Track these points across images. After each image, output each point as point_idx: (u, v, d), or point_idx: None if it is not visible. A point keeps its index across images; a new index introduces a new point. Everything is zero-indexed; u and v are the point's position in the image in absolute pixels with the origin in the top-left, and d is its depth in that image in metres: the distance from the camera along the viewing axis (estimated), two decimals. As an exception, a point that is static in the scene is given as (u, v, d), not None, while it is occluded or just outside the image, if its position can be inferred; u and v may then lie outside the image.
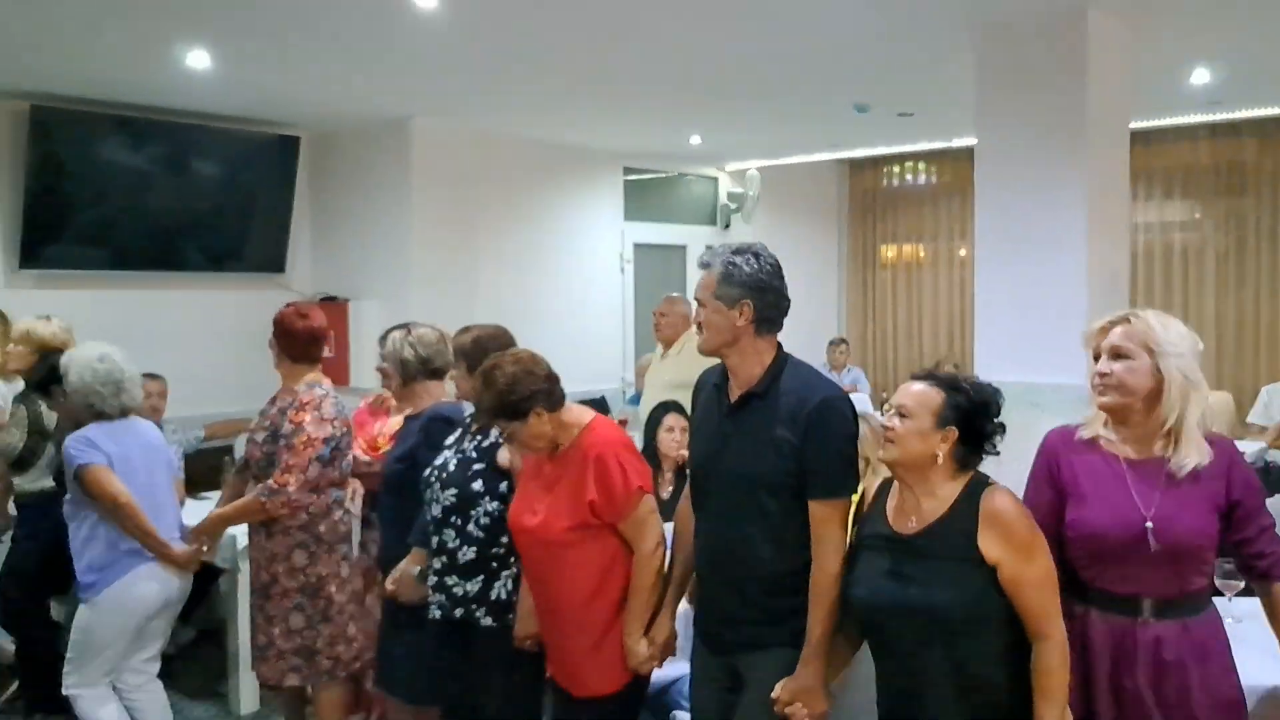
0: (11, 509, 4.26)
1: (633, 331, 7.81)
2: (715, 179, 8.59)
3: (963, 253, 8.83)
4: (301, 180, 6.51)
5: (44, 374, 4.04)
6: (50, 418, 4.12)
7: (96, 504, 3.45)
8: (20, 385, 4.35)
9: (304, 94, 5.55)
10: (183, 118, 5.84)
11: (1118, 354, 2.20)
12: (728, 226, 8.55)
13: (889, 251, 9.26)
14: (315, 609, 3.44)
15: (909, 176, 9.05)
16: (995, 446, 2.22)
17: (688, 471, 2.65)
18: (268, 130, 6.27)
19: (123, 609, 3.46)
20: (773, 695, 2.30)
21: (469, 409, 3.19)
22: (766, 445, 2.33)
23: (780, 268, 2.44)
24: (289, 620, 3.43)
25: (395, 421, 3.56)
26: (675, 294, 5.40)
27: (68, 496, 3.54)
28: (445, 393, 3.43)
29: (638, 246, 7.91)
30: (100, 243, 5.70)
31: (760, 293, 2.38)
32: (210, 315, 6.27)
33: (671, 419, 4.44)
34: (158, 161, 5.80)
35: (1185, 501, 2.15)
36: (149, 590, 3.48)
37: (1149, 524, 2.13)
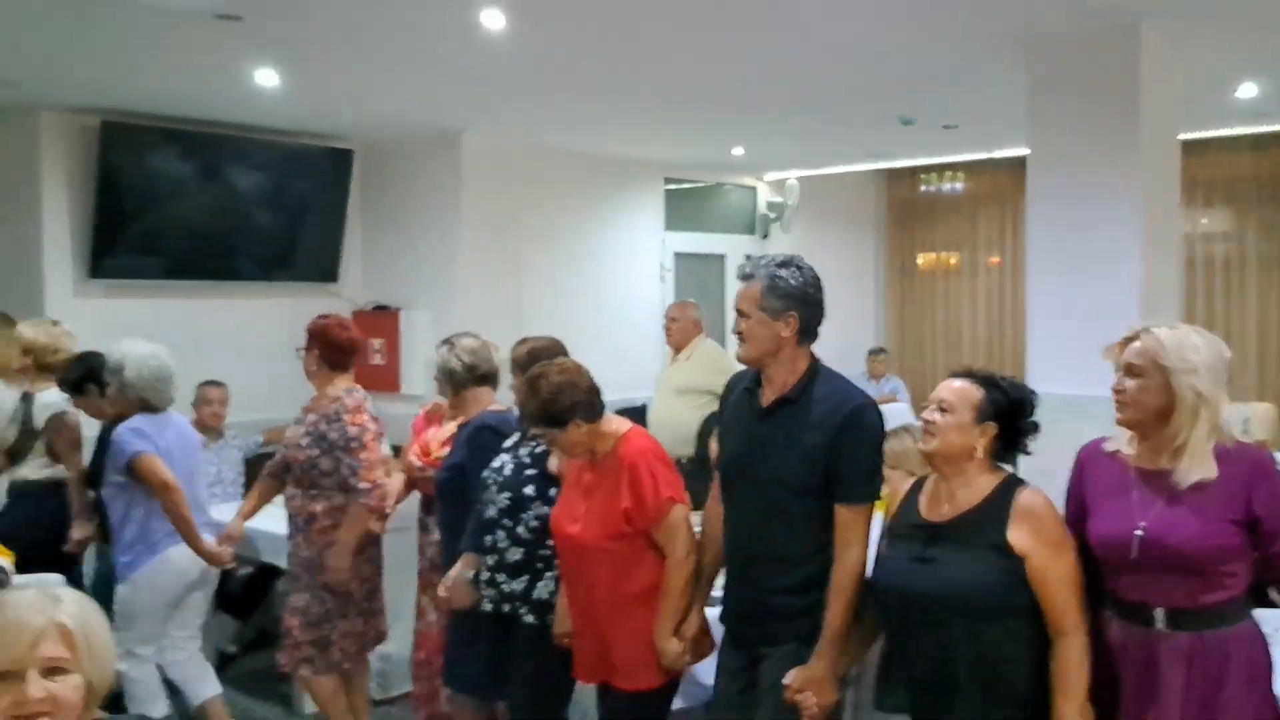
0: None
1: (704, 337, 7.89)
2: (754, 188, 8.68)
3: (995, 259, 8.90)
4: (354, 192, 6.65)
5: (81, 373, 4.20)
6: (40, 416, 4.28)
7: (146, 489, 3.67)
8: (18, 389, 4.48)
9: (360, 109, 5.70)
10: (244, 132, 6.01)
11: (1131, 371, 2.21)
12: (766, 236, 8.63)
13: (926, 260, 9.31)
14: (340, 609, 3.65)
15: (946, 185, 9.11)
16: (1029, 445, 2.31)
17: (714, 470, 2.75)
18: (323, 143, 6.43)
19: (158, 584, 3.73)
20: (784, 682, 2.40)
21: None
22: (797, 449, 2.43)
23: (820, 280, 2.55)
24: (308, 612, 3.64)
25: (449, 428, 3.69)
26: (687, 299, 5.47)
27: (114, 480, 3.72)
28: (494, 399, 3.58)
29: (678, 255, 8.01)
30: (163, 253, 5.86)
31: (805, 305, 2.48)
32: (266, 323, 6.41)
33: (724, 429, 4.52)
34: (219, 174, 5.97)
35: (1187, 513, 2.12)
36: (183, 565, 3.74)
37: (1137, 532, 2.14)
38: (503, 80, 4.99)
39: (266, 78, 4.80)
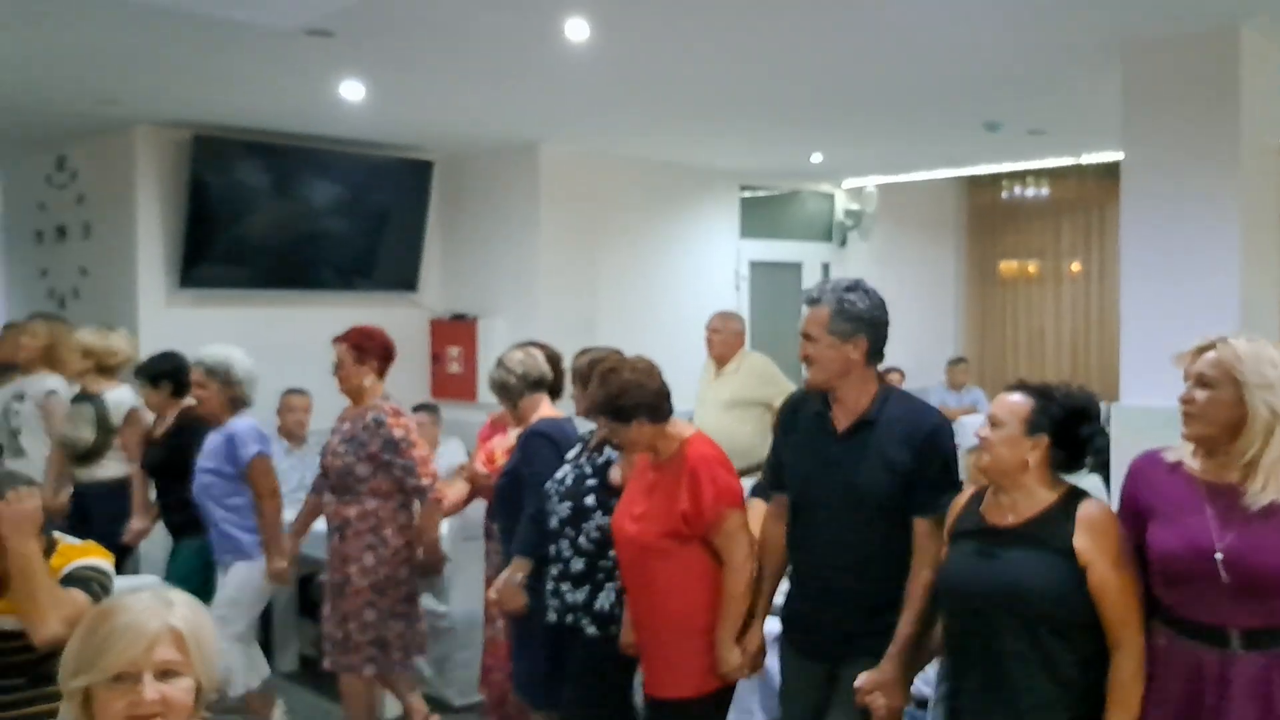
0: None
1: (748, 348, 7.83)
2: (831, 195, 8.58)
3: (1077, 267, 8.68)
4: (433, 202, 6.75)
5: (165, 368, 4.30)
6: (117, 414, 4.49)
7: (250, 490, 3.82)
8: (76, 387, 4.70)
9: (441, 121, 5.78)
10: (328, 144, 6.14)
11: (1202, 382, 2.14)
12: (844, 244, 8.53)
13: (1008, 268, 9.11)
14: (387, 607, 3.74)
15: (1030, 191, 8.90)
16: (1094, 453, 2.27)
17: (768, 489, 2.79)
18: (404, 155, 6.54)
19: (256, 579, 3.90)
20: (855, 684, 2.43)
21: (584, 426, 3.33)
22: (880, 467, 2.49)
23: (885, 302, 2.58)
24: (363, 615, 3.71)
25: (512, 436, 3.75)
26: (729, 310, 5.38)
27: (220, 470, 3.84)
28: (552, 406, 3.63)
29: (753, 264, 7.96)
30: (248, 263, 6.03)
31: (874, 328, 2.54)
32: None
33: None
34: (302, 186, 6.12)
35: (1265, 534, 2.07)
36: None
37: (1219, 555, 2.08)
38: (582, 91, 5.02)
39: (352, 91, 4.90)
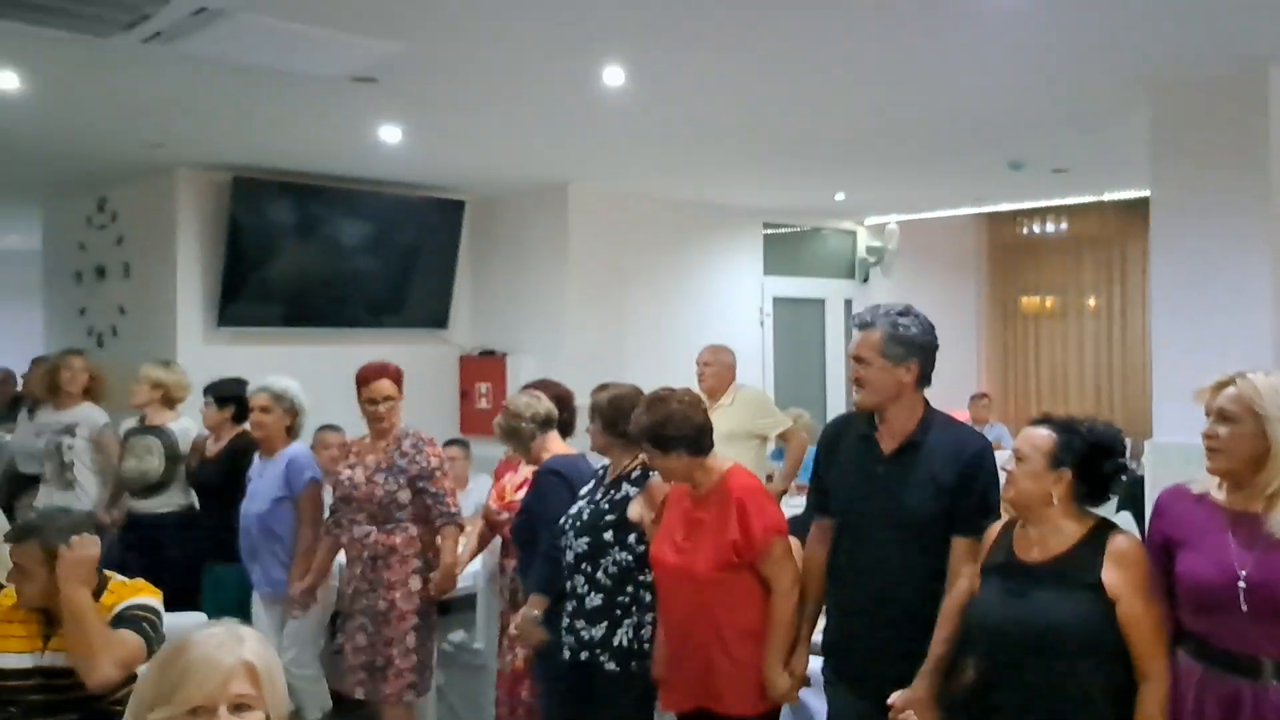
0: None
1: (772, 383, 7.91)
2: (853, 233, 8.67)
3: (1094, 303, 8.71)
4: (463, 240, 6.86)
5: (235, 392, 4.41)
6: (185, 444, 4.60)
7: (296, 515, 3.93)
8: (131, 420, 4.81)
9: (473, 161, 5.89)
10: (362, 184, 6.27)
11: (1224, 416, 2.18)
12: (866, 280, 8.60)
13: (1030, 303, 9.15)
14: (426, 629, 3.82)
15: (1049, 227, 8.96)
16: (1118, 486, 2.31)
17: (813, 514, 2.82)
18: (436, 195, 6.66)
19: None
20: (888, 702, 2.46)
21: (599, 462, 3.37)
22: (925, 488, 2.53)
23: (935, 326, 2.64)
24: (406, 640, 3.76)
25: (524, 472, 3.80)
26: (719, 344, 5.37)
27: (283, 498, 3.97)
28: (561, 443, 3.69)
29: (777, 300, 8.03)
30: (283, 301, 6.14)
31: (925, 352, 2.60)
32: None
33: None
34: (337, 225, 6.24)
35: None
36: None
37: (1241, 584, 2.11)
38: (614, 133, 5.12)
39: (390, 134, 5.01)
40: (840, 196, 7.22)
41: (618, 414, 3.17)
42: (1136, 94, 4.28)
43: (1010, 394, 9.15)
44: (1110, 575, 2.21)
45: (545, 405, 3.67)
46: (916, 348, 2.56)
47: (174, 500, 4.63)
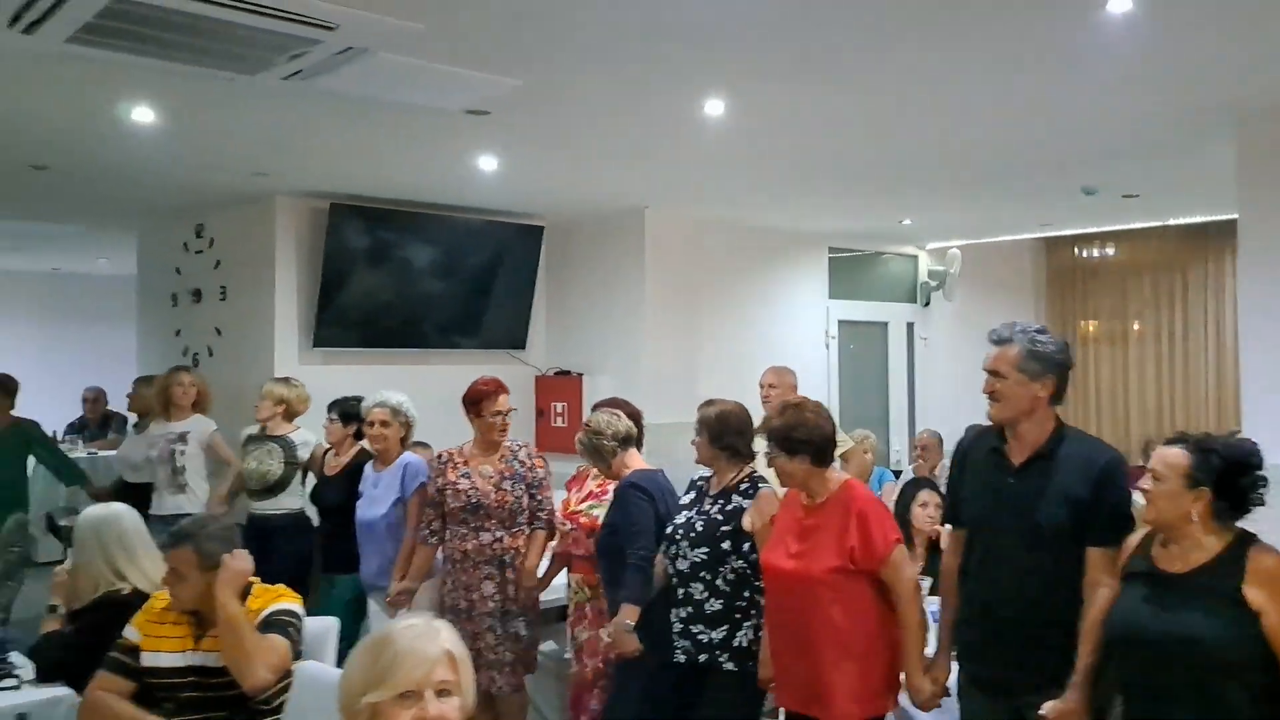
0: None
1: (837, 405, 8.03)
2: (914, 257, 8.79)
3: (1150, 327, 8.76)
4: (541, 264, 7.08)
5: (358, 409, 4.67)
6: (303, 452, 4.98)
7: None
8: (253, 428, 5.17)
9: (556, 187, 6.10)
10: (447, 211, 6.51)
11: None
12: (927, 304, 8.72)
13: (1088, 327, 9.21)
14: (505, 630, 3.99)
15: (1109, 251, 9.03)
16: (1259, 499, 2.34)
17: (949, 527, 2.94)
18: (516, 220, 6.89)
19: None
20: (1039, 712, 2.52)
21: (703, 473, 3.51)
22: (1058, 499, 2.60)
23: (1069, 346, 2.75)
24: (529, 634, 4.03)
25: (589, 486, 4.06)
26: (781, 365, 5.41)
27: (399, 501, 4.26)
28: (639, 458, 3.86)
29: (841, 323, 8.17)
30: (371, 322, 6.37)
31: (1061, 369, 2.70)
32: (459, 388, 6.83)
33: (925, 495, 4.62)
34: (423, 250, 6.47)
35: None
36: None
37: None
38: (697, 161, 5.30)
39: (487, 163, 5.24)
40: (907, 221, 7.36)
41: (723, 428, 3.35)
42: (1219, 121, 4.39)
43: (1070, 417, 9.13)
44: (1252, 589, 2.25)
45: (625, 424, 3.84)
46: (1054, 364, 2.66)
47: (288, 503, 4.95)
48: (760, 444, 3.64)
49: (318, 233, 6.10)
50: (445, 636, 1.85)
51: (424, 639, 1.82)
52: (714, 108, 4.17)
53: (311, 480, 5.02)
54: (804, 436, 2.96)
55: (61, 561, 3.50)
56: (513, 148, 5.02)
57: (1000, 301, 9.09)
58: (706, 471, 3.46)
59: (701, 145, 4.89)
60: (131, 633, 2.83)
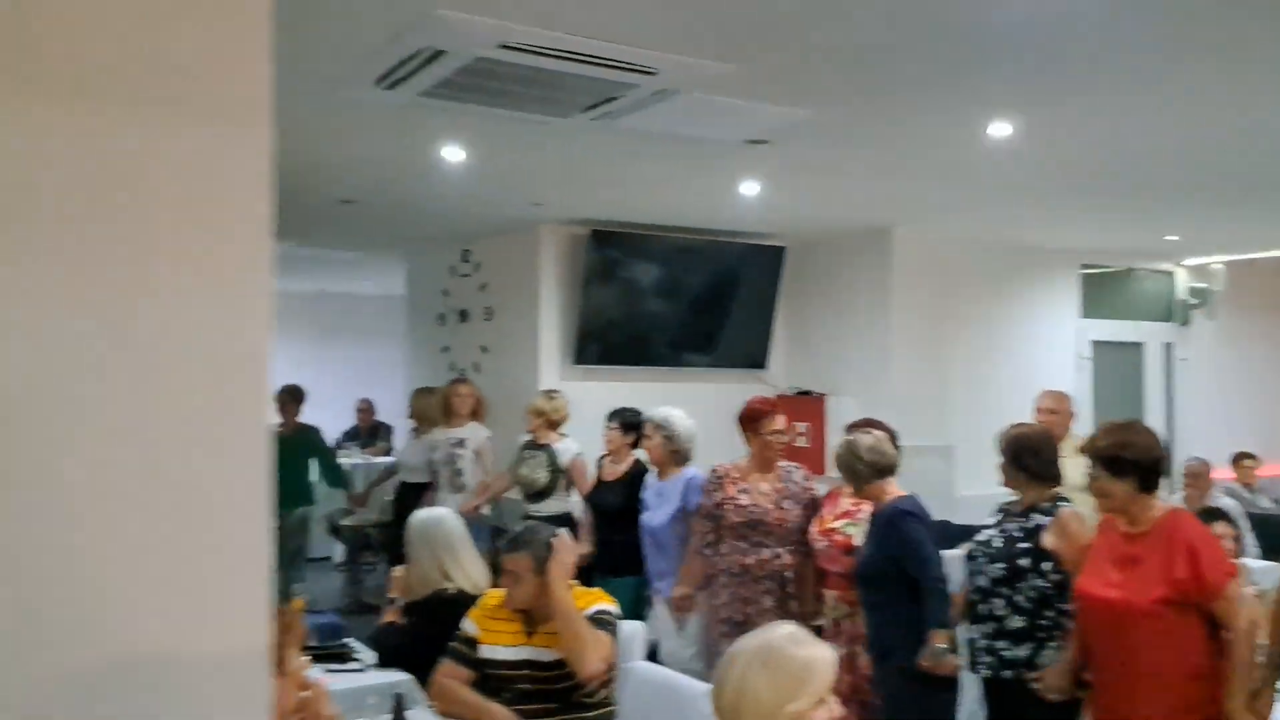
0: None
1: (1091, 429, 7.68)
2: (1170, 273, 8.32)
3: None
4: (782, 284, 7.17)
5: (637, 419, 4.92)
6: (565, 459, 5.30)
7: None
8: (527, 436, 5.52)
9: (803, 209, 6.16)
10: (695, 234, 6.73)
11: None
12: (1186, 323, 8.22)
13: (1373, 349, 8.42)
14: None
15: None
16: None
17: (1245, 560, 2.79)
18: (759, 241, 7.02)
19: None
20: None
21: (1010, 496, 3.47)
22: None
23: None
24: None
25: (844, 504, 4.03)
26: (1058, 390, 5.20)
27: (683, 510, 4.44)
28: (896, 487, 3.74)
29: (1095, 343, 7.83)
30: (628, 341, 6.67)
31: None
32: (704, 405, 7.00)
33: (1220, 527, 4.39)
34: (674, 272, 6.71)
35: None
36: None
37: None
38: (966, 182, 5.25)
39: (749, 189, 5.39)
40: (1172, 237, 6.99)
41: (1019, 449, 3.38)
42: None
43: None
44: None
45: (891, 457, 3.77)
46: None
47: (555, 506, 5.29)
48: (1071, 464, 3.62)
49: (578, 257, 6.44)
50: (823, 645, 1.96)
51: (814, 646, 1.94)
52: (999, 129, 4.15)
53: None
54: (1133, 458, 2.90)
55: (337, 561, 3.88)
56: (778, 174, 5.14)
57: (1266, 322, 8.47)
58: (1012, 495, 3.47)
59: (977, 166, 4.85)
60: (470, 626, 3.08)
